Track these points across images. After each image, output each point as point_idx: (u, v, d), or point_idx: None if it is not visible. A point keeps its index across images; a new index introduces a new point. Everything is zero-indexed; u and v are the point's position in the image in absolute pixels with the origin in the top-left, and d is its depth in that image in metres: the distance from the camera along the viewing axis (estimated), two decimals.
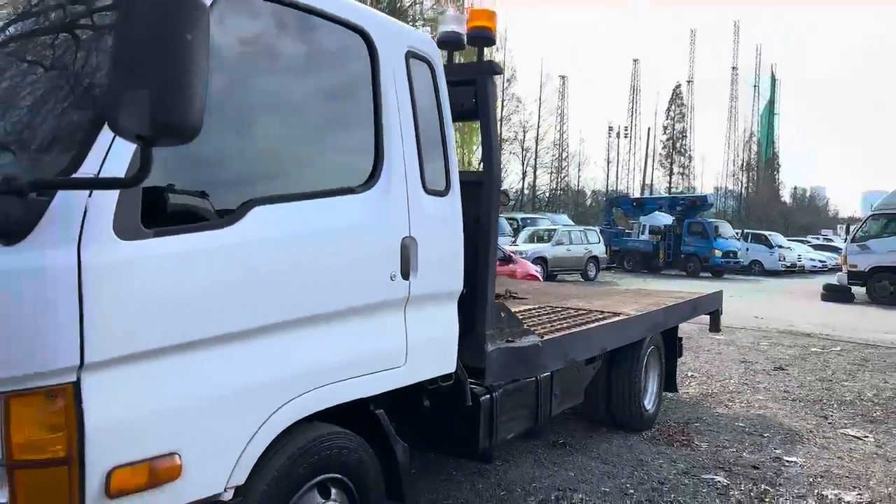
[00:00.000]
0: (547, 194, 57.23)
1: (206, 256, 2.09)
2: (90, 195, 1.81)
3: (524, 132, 54.39)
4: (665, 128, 72.11)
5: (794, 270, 30.74)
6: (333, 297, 2.56)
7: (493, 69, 3.53)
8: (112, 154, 1.85)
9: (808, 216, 74.88)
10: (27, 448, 1.77)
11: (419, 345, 2.96)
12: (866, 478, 4.86)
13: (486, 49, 3.79)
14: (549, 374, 4.19)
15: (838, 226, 66.17)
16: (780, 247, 30.80)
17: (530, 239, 23.56)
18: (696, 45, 78.50)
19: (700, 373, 8.32)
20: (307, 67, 2.63)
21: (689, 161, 72.00)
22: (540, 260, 20.36)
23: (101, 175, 1.82)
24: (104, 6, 2.09)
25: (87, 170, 1.82)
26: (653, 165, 66.87)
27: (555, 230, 24.13)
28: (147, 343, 1.95)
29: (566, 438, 5.43)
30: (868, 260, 18.34)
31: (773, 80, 78.58)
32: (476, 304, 3.38)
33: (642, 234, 31.00)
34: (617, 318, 4.98)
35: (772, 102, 78.95)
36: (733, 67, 78.60)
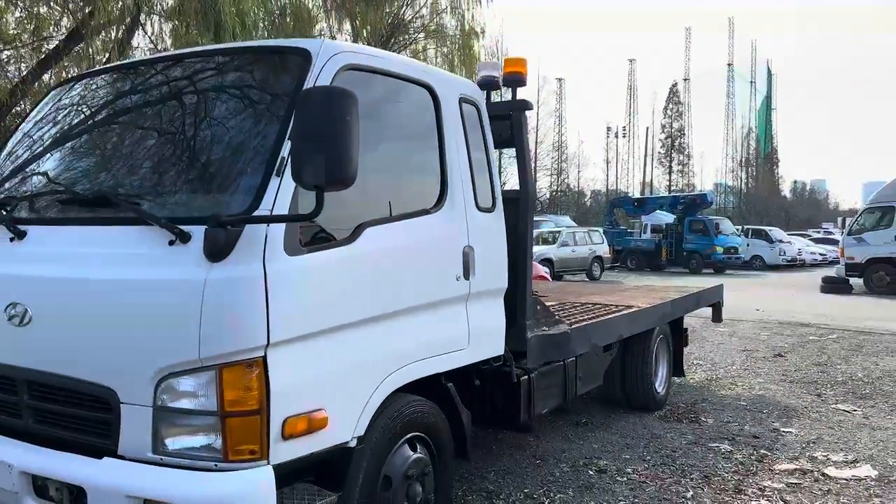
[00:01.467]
0: (548, 196, 57.89)
1: (338, 266, 2.82)
2: (268, 225, 2.54)
3: None
4: (663, 126, 72.87)
5: (794, 264, 31.44)
6: (419, 293, 3.30)
7: (526, 106, 4.27)
8: (278, 197, 2.58)
9: (809, 210, 75.54)
10: (233, 403, 2.50)
11: (477, 332, 3.69)
12: (853, 443, 5.58)
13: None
14: (574, 359, 4.90)
15: (838, 218, 66.94)
16: (781, 241, 31.49)
17: (535, 241, 24.26)
18: (691, 42, 79.17)
19: (705, 361, 9.03)
20: (396, 118, 3.37)
21: (688, 159, 72.72)
22: (546, 261, 21.04)
23: (275, 212, 2.55)
24: (286, 92, 2.80)
25: (264, 208, 2.55)
26: (652, 164, 67.53)
27: (559, 232, 24.88)
28: (306, 328, 2.67)
29: (588, 418, 6.15)
30: (864, 252, 19.06)
31: (770, 74, 79.13)
32: (517, 299, 4.10)
33: (644, 233, 31.75)
34: (631, 310, 5.71)
35: (768, 97, 79.47)
36: (729, 64, 79.37)
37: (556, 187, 61.63)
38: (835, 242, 36.98)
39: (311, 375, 2.71)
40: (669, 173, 72.09)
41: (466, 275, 3.57)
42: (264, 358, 2.54)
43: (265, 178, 2.61)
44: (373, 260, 3.01)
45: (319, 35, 17.75)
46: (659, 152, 71.48)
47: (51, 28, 9.86)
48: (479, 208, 3.73)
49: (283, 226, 2.58)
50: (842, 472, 4.85)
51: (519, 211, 4.15)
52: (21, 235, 2.94)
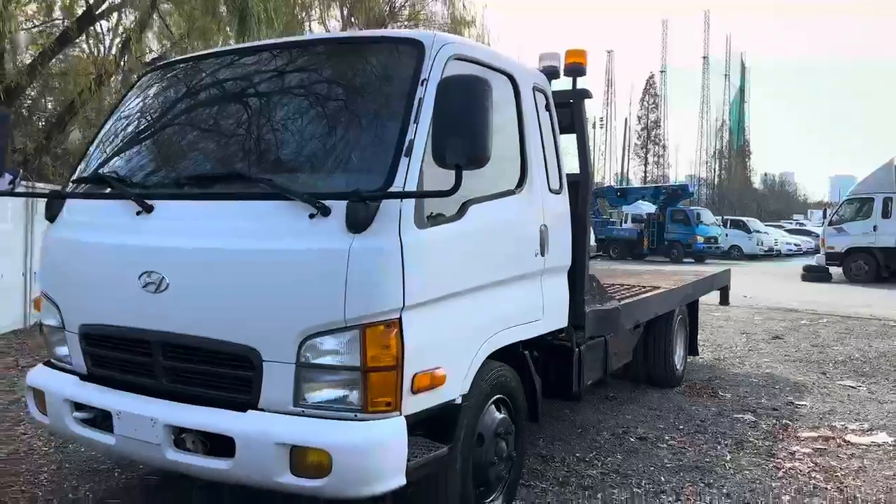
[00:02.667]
0: None
1: (451, 239, 3.09)
2: (401, 201, 2.80)
3: None
4: (639, 118, 73.80)
5: (771, 254, 32.29)
6: (509, 267, 3.59)
7: (586, 94, 4.57)
8: (408, 176, 2.85)
9: (780, 202, 76.97)
10: (374, 359, 2.77)
11: (549, 305, 3.99)
12: (864, 414, 6.00)
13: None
14: (611, 336, 5.22)
15: (808, 210, 68.38)
16: (758, 232, 32.31)
17: None
18: (668, 35, 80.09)
19: (709, 343, 9.45)
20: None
21: (664, 150, 73.75)
22: None
23: (407, 188, 2.81)
24: (404, 80, 3.04)
25: (396, 185, 2.81)
26: (628, 156, 68.34)
27: None
28: (429, 294, 2.95)
29: (615, 393, 6.50)
30: (844, 242, 19.76)
31: (743, 68, 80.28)
32: (577, 276, 4.40)
33: (626, 223, 32.33)
34: (661, 290, 6.06)
35: (742, 90, 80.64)
36: (704, 56, 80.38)
37: None
38: (807, 234, 38.11)
39: (432, 337, 2.99)
40: (645, 164, 73.07)
41: (542, 251, 3.87)
42: (400, 319, 2.81)
43: (395, 158, 2.87)
44: (475, 235, 3.29)
45: (318, 21, 17.84)
46: (635, 143, 72.36)
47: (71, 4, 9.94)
48: (550, 190, 4.02)
49: (412, 201, 2.85)
50: (861, 439, 5.25)
51: (578, 194, 4.45)
52: (149, 209, 3.16)
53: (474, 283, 3.29)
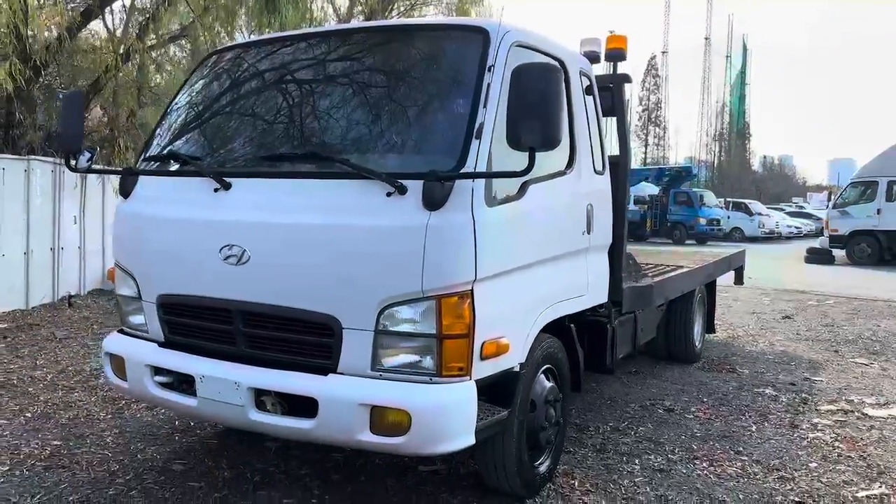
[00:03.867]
0: None
1: (514, 216, 3.29)
2: (473, 181, 2.99)
3: None
4: (640, 99, 73.49)
5: (772, 237, 32.50)
6: (561, 243, 3.79)
7: (626, 79, 4.76)
8: (479, 157, 3.04)
9: (779, 184, 77.15)
10: (449, 327, 2.97)
11: (592, 281, 4.20)
12: (879, 389, 6.24)
13: None
14: (639, 312, 5.44)
15: (808, 193, 68.52)
16: (760, 214, 32.50)
17: None
18: (670, 15, 79.74)
19: (722, 322, 9.65)
20: None
21: (664, 132, 73.64)
22: None
23: (477, 169, 3.00)
24: (472, 65, 3.21)
25: (469, 166, 3.00)
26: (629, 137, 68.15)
27: None
28: (497, 268, 3.15)
29: (638, 368, 6.73)
30: (848, 224, 19.98)
31: (745, 49, 79.90)
32: (616, 254, 4.61)
33: (628, 204, 32.45)
34: (687, 269, 6.27)
35: (743, 72, 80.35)
36: (706, 38, 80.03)
37: None
38: (807, 217, 38.34)
39: (498, 308, 3.19)
40: (645, 146, 72.94)
41: (588, 230, 4.07)
42: (472, 291, 3.02)
43: (466, 140, 3.05)
44: (534, 213, 3.49)
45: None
46: (636, 125, 72.20)
47: None
48: (595, 171, 4.21)
49: (483, 181, 3.04)
50: (879, 412, 5.50)
51: (618, 175, 4.64)
52: (227, 186, 3.35)
53: (533, 259, 3.49)
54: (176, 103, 4.03)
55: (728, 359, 7.38)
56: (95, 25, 11.50)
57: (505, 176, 2.99)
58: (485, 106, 3.10)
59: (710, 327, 7.76)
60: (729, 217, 31.11)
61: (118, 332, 3.94)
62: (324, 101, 3.55)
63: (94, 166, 4.00)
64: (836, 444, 4.76)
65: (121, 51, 10.32)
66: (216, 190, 3.37)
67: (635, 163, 65.58)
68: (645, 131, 72.18)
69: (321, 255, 3.11)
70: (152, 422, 4.86)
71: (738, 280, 8.77)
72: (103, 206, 10.76)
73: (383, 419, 3.00)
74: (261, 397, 3.27)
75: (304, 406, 3.19)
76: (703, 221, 28.31)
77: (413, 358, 3.05)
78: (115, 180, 10.90)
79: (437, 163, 3.04)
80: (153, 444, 4.43)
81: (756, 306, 11.31)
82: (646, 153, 71.79)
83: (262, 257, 3.22)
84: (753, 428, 5.05)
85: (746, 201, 34.38)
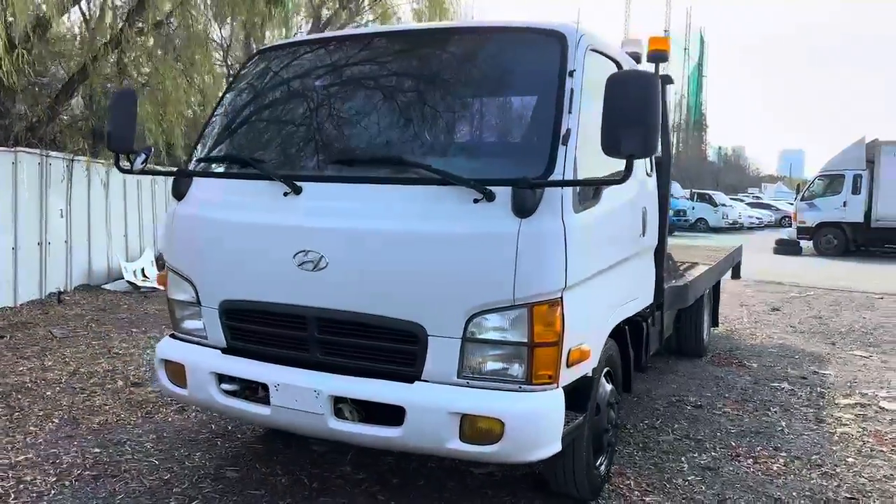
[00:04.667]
0: None
1: (593, 221, 3.28)
2: (562, 188, 2.98)
3: None
4: None
5: (734, 227, 33.22)
6: (624, 247, 3.81)
7: (668, 80, 4.78)
8: (566, 163, 3.02)
9: (735, 175, 78.73)
10: (540, 335, 2.96)
11: (645, 283, 4.24)
12: (886, 381, 6.44)
13: None
14: (667, 310, 5.51)
15: (762, 184, 70.11)
16: (724, 205, 33.18)
17: None
18: (630, 7, 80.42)
19: None
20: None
21: None
22: None
23: (566, 176, 2.98)
24: (552, 70, 3.18)
25: (557, 172, 2.98)
26: None
27: None
28: (582, 275, 3.14)
29: (651, 364, 6.80)
30: (815, 216, 20.56)
31: (702, 42, 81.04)
32: (659, 254, 4.66)
33: None
34: (707, 266, 6.38)
35: (700, 65, 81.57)
36: (665, 30, 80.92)
37: None
38: (767, 207, 39.31)
39: (582, 314, 3.20)
40: None
41: (643, 232, 4.10)
42: (561, 298, 3.01)
43: (553, 146, 3.03)
44: (607, 217, 3.49)
45: None
46: None
47: None
48: (646, 173, 4.24)
49: (570, 190, 3.02)
50: (894, 406, 5.68)
51: (661, 175, 4.68)
52: (297, 191, 3.27)
53: (606, 264, 3.50)
54: (226, 103, 3.92)
55: (733, 353, 7.52)
56: (76, 15, 11.13)
57: (606, 183, 2.98)
58: (570, 111, 3.09)
59: (714, 321, 7.90)
60: (694, 208, 31.70)
61: (171, 337, 3.84)
62: (397, 104, 3.48)
63: (149, 166, 3.87)
64: (865, 438, 4.90)
65: (108, 37, 9.99)
66: (286, 194, 3.29)
67: None
68: None
69: (407, 261, 3.06)
70: (186, 426, 4.76)
71: (736, 274, 8.94)
72: (89, 199, 10.48)
73: (474, 428, 2.98)
74: (338, 405, 3.23)
75: (382, 413, 3.15)
76: (670, 212, 28.73)
77: (501, 365, 3.04)
78: (102, 172, 10.65)
79: (521, 169, 3.02)
80: (196, 449, 4.34)
81: (742, 298, 11.56)
82: None
83: (341, 263, 3.16)
84: (783, 423, 5.16)
85: (710, 192, 35.05)
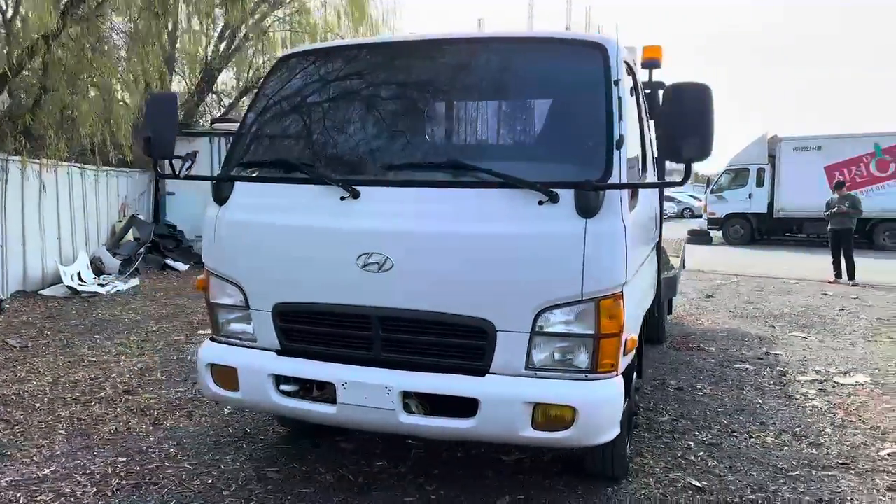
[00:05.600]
0: None
1: (637, 219, 3.54)
2: (621, 191, 3.21)
3: None
4: None
5: None
6: (650, 241, 4.12)
7: (661, 85, 5.11)
8: (622, 167, 3.26)
9: None
10: (605, 327, 3.19)
11: (655, 274, 4.56)
12: (832, 359, 7.08)
13: None
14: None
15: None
16: None
17: None
18: (534, 4, 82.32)
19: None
20: (630, 100, 4.07)
21: None
22: None
23: (622, 180, 3.22)
24: (598, 79, 3.39)
25: (615, 176, 3.21)
26: None
27: None
28: (634, 268, 3.40)
29: None
30: (723, 208, 21.90)
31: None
32: (658, 248, 5.00)
33: None
34: (679, 257, 6.83)
35: None
36: (567, 27, 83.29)
37: None
38: (670, 199, 41.21)
39: (632, 306, 3.45)
40: None
41: (656, 228, 4.42)
42: (622, 292, 3.25)
43: (609, 152, 3.26)
44: (642, 215, 3.77)
45: None
46: None
47: None
48: (653, 172, 4.56)
49: (626, 192, 3.26)
50: (847, 380, 6.27)
51: (658, 175, 5.01)
52: (356, 195, 3.36)
53: (643, 258, 3.79)
54: (261, 107, 3.93)
55: (689, 338, 8.03)
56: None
57: (667, 185, 3.24)
58: (621, 118, 3.32)
59: (669, 309, 8.41)
60: None
61: (211, 340, 3.83)
62: (450, 110, 3.62)
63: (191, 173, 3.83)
64: (833, 410, 5.42)
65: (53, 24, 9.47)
66: (343, 198, 3.37)
67: None
68: None
69: (475, 262, 3.22)
70: (201, 431, 4.73)
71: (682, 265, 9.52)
72: (22, 200, 9.97)
73: (546, 415, 3.18)
74: (405, 400, 3.35)
75: (448, 406, 3.30)
76: None
77: (567, 356, 3.25)
78: (46, 173, 10.15)
79: (579, 172, 3.23)
80: (224, 453, 4.34)
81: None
82: None
83: (407, 265, 3.27)
84: (759, 401, 5.63)
85: None
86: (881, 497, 3.90)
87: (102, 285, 11.04)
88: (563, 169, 3.33)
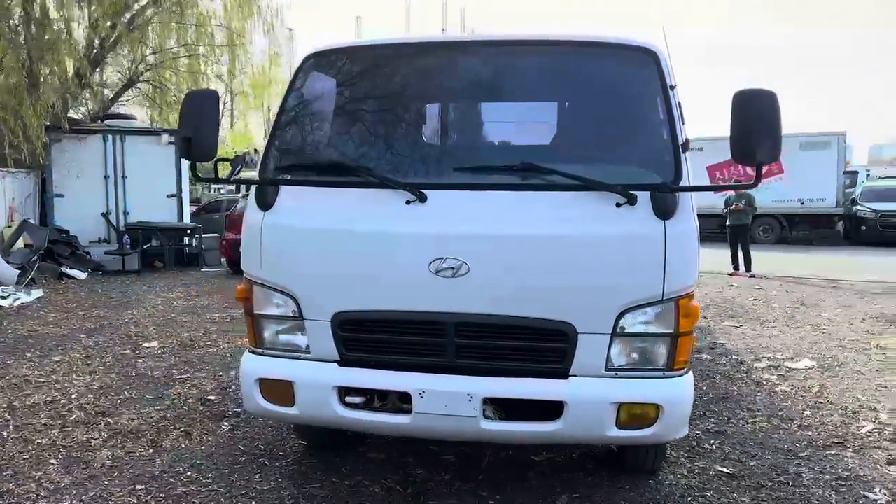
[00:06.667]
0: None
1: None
2: (690, 193, 3.31)
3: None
4: None
5: None
6: None
7: None
8: (689, 170, 3.36)
9: None
10: (683, 325, 3.27)
11: None
12: (775, 346, 7.61)
13: None
14: None
15: None
16: None
17: None
18: (411, 4, 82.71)
19: None
20: None
21: None
22: None
23: (689, 182, 3.32)
24: (653, 84, 3.45)
25: (685, 178, 3.30)
26: None
27: None
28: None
29: None
30: None
31: None
32: None
33: None
34: None
35: None
36: (443, 29, 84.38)
37: None
38: None
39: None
40: None
41: None
42: (693, 291, 3.36)
43: (677, 155, 3.35)
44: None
45: None
46: None
47: None
48: None
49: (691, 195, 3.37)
50: (797, 365, 6.77)
51: None
52: (423, 198, 3.28)
53: None
54: (296, 106, 3.73)
55: None
56: None
57: (740, 188, 3.37)
58: (683, 123, 3.43)
59: None
60: None
61: (251, 353, 3.61)
62: (511, 112, 3.59)
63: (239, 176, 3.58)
64: (801, 394, 5.84)
65: None
66: (408, 202, 3.28)
67: None
68: None
69: (556, 265, 3.23)
70: (209, 451, 4.44)
71: None
72: None
73: (630, 414, 3.24)
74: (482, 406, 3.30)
75: (524, 410, 3.30)
76: None
77: (646, 356, 3.32)
78: None
79: (648, 176, 3.31)
80: (250, 472, 4.09)
81: None
82: None
83: (485, 269, 3.23)
84: (734, 388, 5.97)
85: None
86: (886, 470, 4.25)
87: (3, 297, 10.09)
88: (630, 172, 3.39)
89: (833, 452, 4.54)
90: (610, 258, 3.22)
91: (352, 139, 3.70)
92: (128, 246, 14.32)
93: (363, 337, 3.43)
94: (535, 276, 3.24)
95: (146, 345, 7.41)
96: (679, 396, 3.30)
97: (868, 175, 27.42)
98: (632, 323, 3.27)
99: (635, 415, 3.25)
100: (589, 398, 3.23)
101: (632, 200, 3.19)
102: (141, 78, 22.05)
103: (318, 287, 3.44)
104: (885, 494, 3.90)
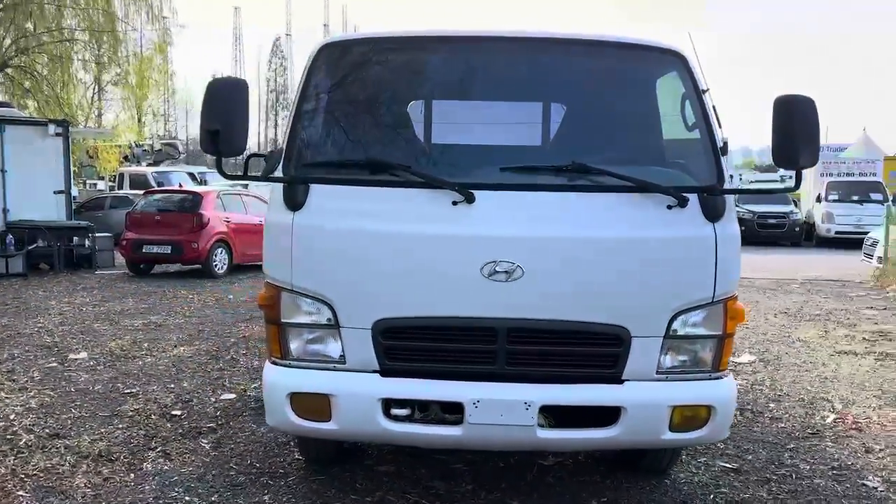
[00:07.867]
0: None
1: None
2: (733, 196, 3.35)
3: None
4: (268, 80, 73.75)
5: None
6: None
7: None
8: (729, 172, 3.40)
9: None
10: (730, 327, 3.31)
11: None
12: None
13: None
14: None
15: None
16: None
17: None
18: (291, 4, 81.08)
19: None
20: None
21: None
22: None
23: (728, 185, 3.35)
24: (687, 87, 3.45)
25: (727, 182, 3.34)
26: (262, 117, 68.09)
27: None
28: None
29: None
30: None
31: None
32: None
33: None
34: None
35: None
36: (325, 24, 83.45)
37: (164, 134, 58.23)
38: None
39: None
40: (275, 127, 73.53)
41: None
42: (736, 293, 3.41)
43: (717, 158, 3.37)
44: None
45: None
46: (265, 105, 72.29)
47: None
48: None
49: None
50: (742, 360, 7.10)
51: None
52: (471, 199, 3.13)
53: None
54: (317, 99, 3.47)
55: None
56: None
57: (780, 192, 3.44)
58: (720, 126, 3.47)
59: None
60: None
61: (275, 364, 3.32)
62: (550, 113, 3.50)
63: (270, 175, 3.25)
64: (758, 387, 6.12)
65: None
66: (455, 203, 3.12)
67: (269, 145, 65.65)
68: (275, 113, 72.64)
69: (611, 267, 3.18)
70: (197, 472, 4.07)
71: None
72: None
73: (683, 417, 3.24)
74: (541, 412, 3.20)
75: (576, 416, 3.23)
76: None
77: (694, 357, 3.34)
78: None
79: (690, 178, 3.34)
80: (256, 494, 3.78)
81: None
82: (276, 134, 72.35)
83: (539, 272, 3.13)
84: None
85: None
86: (868, 459, 4.51)
87: None
88: (672, 175, 3.39)
89: (814, 443, 4.77)
90: (665, 261, 3.21)
91: (387, 136, 3.48)
92: (11, 247, 13.08)
93: (407, 345, 3.23)
94: (590, 279, 3.17)
95: (73, 356, 6.74)
96: (728, 396, 3.34)
97: (741, 178, 29.39)
98: (683, 325, 3.27)
99: (688, 417, 3.25)
100: (646, 402, 3.20)
101: (682, 203, 3.18)
102: (10, 63, 20.31)
103: (357, 293, 3.21)
104: (879, 482, 4.13)
